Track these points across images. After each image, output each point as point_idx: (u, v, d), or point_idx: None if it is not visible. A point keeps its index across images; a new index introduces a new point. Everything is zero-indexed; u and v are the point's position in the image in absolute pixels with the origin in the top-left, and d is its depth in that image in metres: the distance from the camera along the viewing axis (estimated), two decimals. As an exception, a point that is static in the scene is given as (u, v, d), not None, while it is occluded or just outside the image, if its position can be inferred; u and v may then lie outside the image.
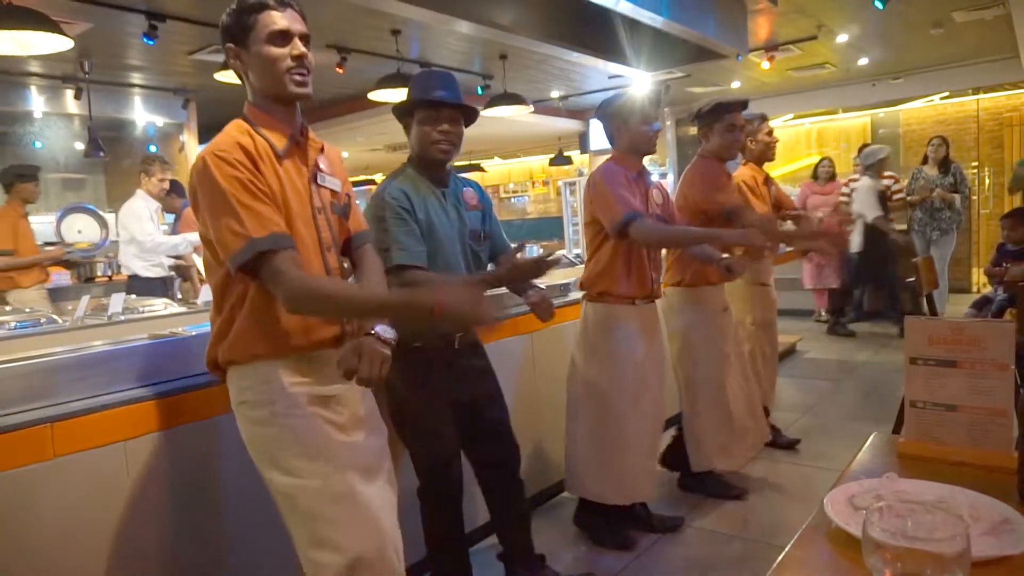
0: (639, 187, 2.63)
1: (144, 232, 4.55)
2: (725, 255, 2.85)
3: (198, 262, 4.79)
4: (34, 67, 5.86)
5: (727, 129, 3.02)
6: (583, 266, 2.77)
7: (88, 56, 5.59)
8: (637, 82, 6.57)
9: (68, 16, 4.33)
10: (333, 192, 1.67)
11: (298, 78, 1.54)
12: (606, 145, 2.72)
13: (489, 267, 2.31)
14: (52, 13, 3.59)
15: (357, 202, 1.83)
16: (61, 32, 3.55)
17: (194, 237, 4.70)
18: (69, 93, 6.31)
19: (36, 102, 6.47)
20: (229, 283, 1.54)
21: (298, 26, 1.54)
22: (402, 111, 2.14)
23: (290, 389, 1.54)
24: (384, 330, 1.56)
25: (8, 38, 3.48)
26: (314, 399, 1.56)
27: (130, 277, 4.73)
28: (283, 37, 1.52)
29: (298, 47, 1.53)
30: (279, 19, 1.51)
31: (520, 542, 2.34)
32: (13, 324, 2.61)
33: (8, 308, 3.07)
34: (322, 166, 1.65)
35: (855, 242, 6.23)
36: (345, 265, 1.75)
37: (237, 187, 1.44)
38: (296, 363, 1.56)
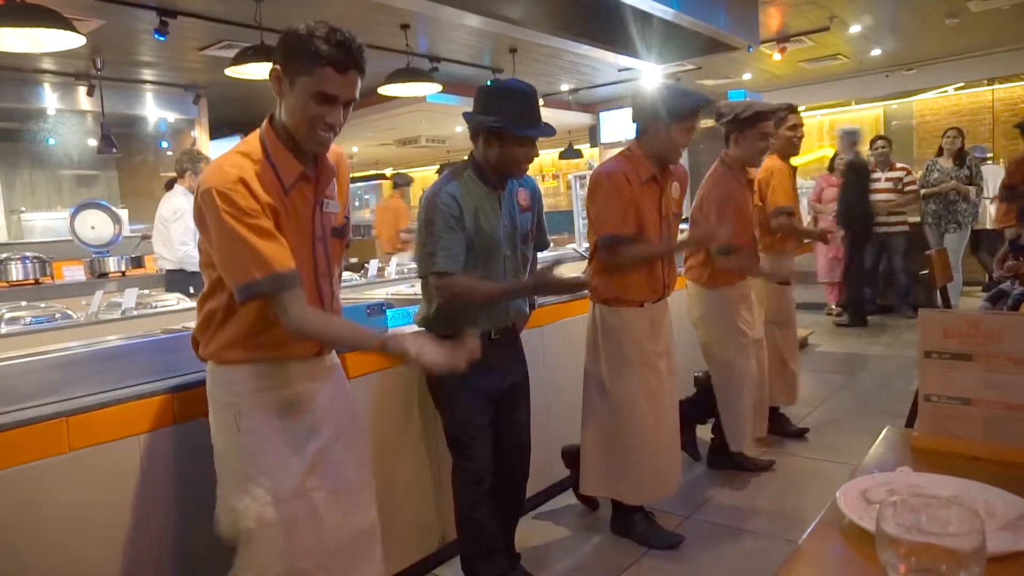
0: (651, 191, 2.49)
1: (178, 239, 4.47)
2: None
3: None
4: (47, 64, 5.91)
5: (760, 137, 2.99)
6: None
7: (100, 53, 5.63)
8: (647, 75, 6.54)
9: (80, 13, 4.36)
10: (333, 215, 1.69)
11: (323, 138, 1.54)
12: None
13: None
14: (64, 10, 3.62)
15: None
16: (73, 29, 3.57)
17: None
18: (82, 90, 6.36)
19: (49, 99, 6.52)
20: (223, 284, 1.57)
21: (349, 92, 1.52)
22: (485, 126, 2.08)
23: (256, 396, 1.60)
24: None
25: (21, 35, 3.51)
26: (280, 408, 1.61)
27: (168, 271, 4.65)
28: (329, 100, 1.50)
29: (337, 116, 1.52)
30: (335, 82, 1.48)
31: (506, 538, 2.38)
32: (28, 319, 2.64)
33: (24, 304, 3.10)
34: (328, 192, 1.66)
35: None
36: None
37: (241, 226, 1.46)
38: (270, 368, 1.62)
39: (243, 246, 1.47)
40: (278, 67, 1.52)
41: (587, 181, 2.64)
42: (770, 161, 3.46)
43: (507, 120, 2.03)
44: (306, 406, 1.65)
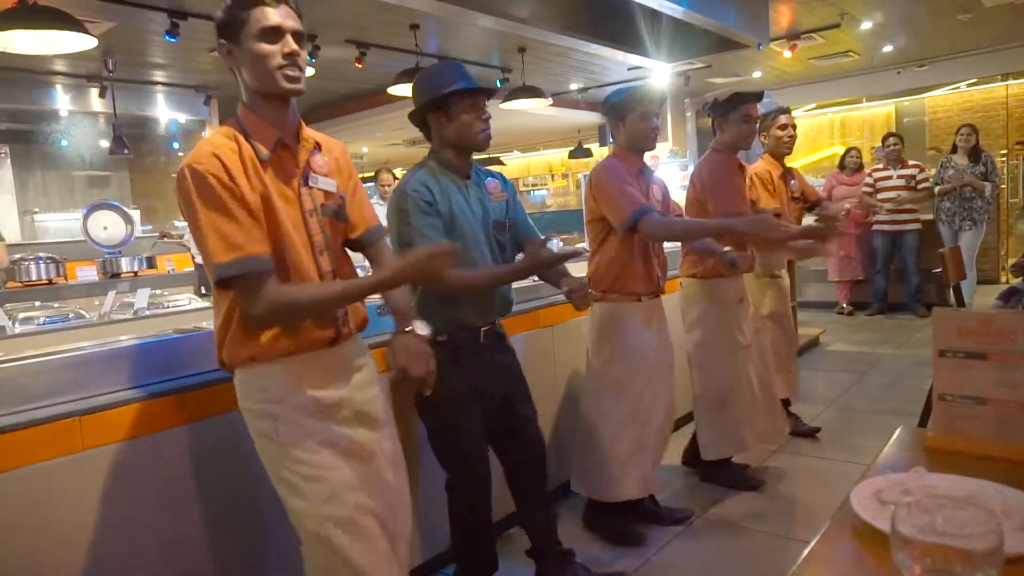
0: (640, 184, 2.60)
1: None
2: (728, 248, 2.79)
3: None
4: (59, 66, 5.96)
5: (743, 120, 2.99)
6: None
7: (112, 54, 5.67)
8: (657, 73, 6.52)
9: (92, 15, 4.40)
10: (326, 193, 1.63)
11: (290, 74, 1.52)
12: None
13: (517, 256, 2.29)
14: (76, 12, 3.65)
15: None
16: (85, 31, 3.60)
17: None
18: (94, 91, 6.41)
19: (62, 100, 6.57)
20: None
21: (291, 22, 1.52)
22: (428, 107, 2.07)
23: (290, 400, 1.54)
24: (420, 326, 1.72)
25: (33, 37, 3.53)
26: (316, 411, 1.56)
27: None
28: (275, 33, 1.50)
29: (290, 44, 1.51)
30: (271, 15, 1.49)
31: (548, 538, 2.35)
32: (42, 319, 2.66)
33: (37, 304, 3.13)
34: (315, 166, 1.62)
35: None
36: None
37: (208, 205, 1.44)
38: (294, 367, 1.56)
39: (209, 227, 1.44)
40: (222, 41, 1.54)
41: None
42: (759, 163, 3.47)
43: (440, 88, 2.03)
44: (345, 405, 1.60)
